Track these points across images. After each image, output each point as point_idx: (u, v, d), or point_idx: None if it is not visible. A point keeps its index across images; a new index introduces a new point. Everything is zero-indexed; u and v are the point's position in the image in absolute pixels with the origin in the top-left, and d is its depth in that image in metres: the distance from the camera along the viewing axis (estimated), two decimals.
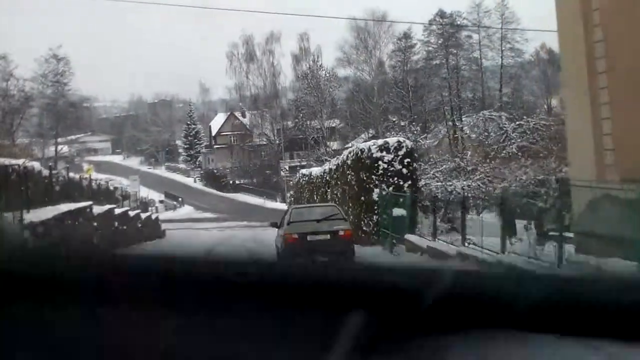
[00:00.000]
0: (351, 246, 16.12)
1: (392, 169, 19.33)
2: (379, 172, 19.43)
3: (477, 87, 76.96)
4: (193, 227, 53.68)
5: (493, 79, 76.97)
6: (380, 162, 19.38)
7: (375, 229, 19.30)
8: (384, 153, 19.44)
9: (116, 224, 30.03)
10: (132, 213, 34.83)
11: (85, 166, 71.37)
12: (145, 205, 46.18)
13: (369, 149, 19.86)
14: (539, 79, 78.11)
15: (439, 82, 75.04)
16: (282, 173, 69.58)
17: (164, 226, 46.20)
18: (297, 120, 77.90)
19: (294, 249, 16.07)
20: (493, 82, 77.24)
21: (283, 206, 66.77)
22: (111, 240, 28.31)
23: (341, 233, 16.08)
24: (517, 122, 36.90)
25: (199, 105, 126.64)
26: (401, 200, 18.16)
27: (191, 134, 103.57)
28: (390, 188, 19.08)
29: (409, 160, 19.44)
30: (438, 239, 14.79)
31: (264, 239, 37.01)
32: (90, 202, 26.17)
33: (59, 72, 64.91)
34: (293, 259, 16.81)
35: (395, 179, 19.24)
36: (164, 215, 59.64)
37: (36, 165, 24.58)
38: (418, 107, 71.54)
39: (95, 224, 26.20)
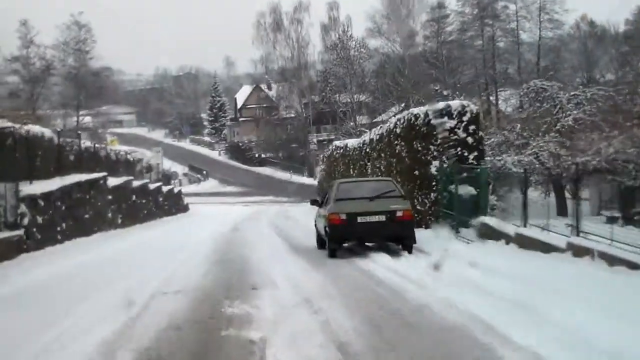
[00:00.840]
0: (411, 231, 12.97)
1: (454, 137, 16.02)
2: (438, 142, 16.14)
3: (513, 60, 72.70)
4: (217, 201, 50.89)
5: (530, 51, 72.68)
6: (439, 130, 16.09)
7: (432, 209, 16.04)
8: (445, 119, 16.12)
9: (134, 197, 27.10)
10: (152, 186, 31.92)
11: (109, 138, 68.89)
12: (167, 178, 43.38)
13: (426, 115, 16.54)
14: (579, 52, 73.67)
15: (474, 54, 71.05)
16: (311, 147, 66.50)
17: (187, 200, 43.44)
18: (324, 93, 74.53)
19: (341, 233, 12.95)
20: (530, 55, 72.95)
21: (310, 181, 64.05)
22: (127, 215, 25.42)
23: (399, 214, 12.89)
24: (572, 93, 33.07)
25: (224, 78, 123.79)
26: (470, 174, 14.94)
27: (216, 106, 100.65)
28: (452, 161, 15.82)
29: (474, 127, 16.10)
30: (530, 225, 11.50)
31: (293, 215, 34.11)
32: (104, 174, 23.21)
33: (81, 40, 61.87)
34: (339, 245, 14.14)
35: (459, 149, 15.95)
36: (187, 188, 56.89)
37: (46, 132, 21.53)
38: (451, 80, 67.67)
39: (109, 197, 23.27)
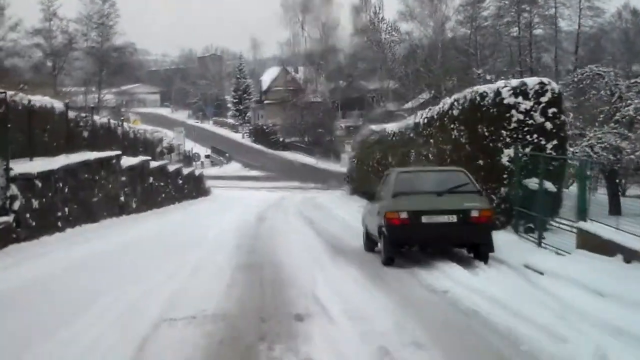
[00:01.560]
0: (489, 236, 10.15)
1: (530, 122, 13.13)
2: (511, 126, 13.25)
3: (549, 48, 68.98)
4: (240, 186, 48.30)
5: (567, 40, 69.08)
6: (513, 112, 13.19)
7: (502, 207, 13.16)
8: (520, 99, 13.20)
9: (151, 179, 24.53)
10: (172, 167, 29.35)
11: (132, 117, 66.56)
12: (189, 159, 40.87)
13: (497, 93, 13.61)
14: (620, 42, 69.91)
15: (509, 41, 67.65)
16: (339, 132, 63.67)
17: (209, 183, 40.89)
18: (350, 78, 71.59)
19: (402, 236, 10.15)
20: (567, 44, 69.30)
21: (337, 167, 61.29)
22: (142, 199, 22.84)
23: (474, 214, 10.07)
24: (633, 80, 29.64)
25: (250, 60, 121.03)
26: (549, 167, 12.09)
27: (241, 88, 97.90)
28: (527, 149, 12.95)
29: (555, 110, 13.21)
30: None
31: (323, 204, 31.43)
32: (117, 152, 20.62)
33: (105, 14, 59.65)
34: (397, 250, 10.74)
35: (535, 136, 13.06)
36: (209, 171, 54.36)
37: (57, 104, 18.99)
38: (486, 68, 64.36)
39: (123, 178, 20.69)
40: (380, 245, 10.87)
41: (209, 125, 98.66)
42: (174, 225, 18.66)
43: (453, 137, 15.93)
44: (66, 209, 15.47)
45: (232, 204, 29.38)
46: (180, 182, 30.98)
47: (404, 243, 10.28)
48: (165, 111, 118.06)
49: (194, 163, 44.16)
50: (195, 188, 35.29)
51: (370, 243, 12.12)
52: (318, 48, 70.34)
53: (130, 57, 67.93)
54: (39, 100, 18.05)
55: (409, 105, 71.85)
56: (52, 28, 56.21)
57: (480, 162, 13.93)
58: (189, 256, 11.50)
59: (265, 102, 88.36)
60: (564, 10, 65.96)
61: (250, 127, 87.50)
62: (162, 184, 26.61)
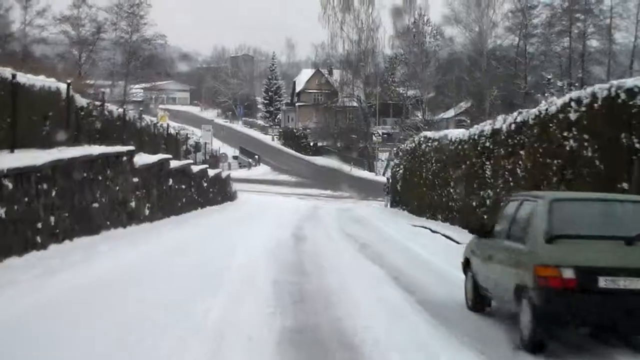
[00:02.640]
0: None
1: None
2: None
3: (602, 60, 64.15)
4: (269, 191, 44.42)
5: (623, 53, 64.31)
6: None
7: None
8: None
9: (170, 181, 20.65)
10: (196, 168, 25.50)
11: (160, 113, 63.06)
12: (215, 159, 37.02)
13: None
14: None
15: (560, 51, 63.13)
16: (374, 138, 59.55)
17: (235, 186, 37.06)
18: (387, 84, 67.50)
19: (567, 308, 5.94)
20: (622, 57, 64.46)
21: (371, 176, 57.18)
22: (158, 205, 18.97)
23: None
24: None
25: (283, 62, 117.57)
26: None
27: (272, 89, 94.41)
28: None
29: None
30: None
31: (365, 218, 27.40)
32: (129, 148, 16.72)
33: (135, 3, 56.01)
34: (556, 329, 5.72)
35: None
36: (236, 173, 50.63)
37: (62, 86, 15.12)
38: (533, 78, 60.07)
39: (135, 179, 16.80)
40: (496, 305, 6.76)
41: (238, 126, 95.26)
42: (189, 243, 14.66)
43: (568, 148, 11.75)
44: (52, 219, 11.59)
45: (261, 213, 25.46)
46: (205, 184, 27.14)
47: (567, 321, 6.09)
48: (194, 109, 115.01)
49: (220, 164, 40.27)
50: (220, 191, 31.45)
51: (479, 300, 7.99)
52: (356, 50, 66.09)
53: (160, 49, 64.30)
54: (41, 80, 14.34)
55: (448, 114, 67.77)
56: (81, 16, 52.83)
57: (625, 185, 9.74)
58: (198, 310, 7.41)
59: (297, 104, 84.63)
60: (620, 21, 61.45)
61: (280, 130, 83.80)
62: (183, 186, 22.75)
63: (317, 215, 26.89)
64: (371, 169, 60.45)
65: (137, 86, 60.25)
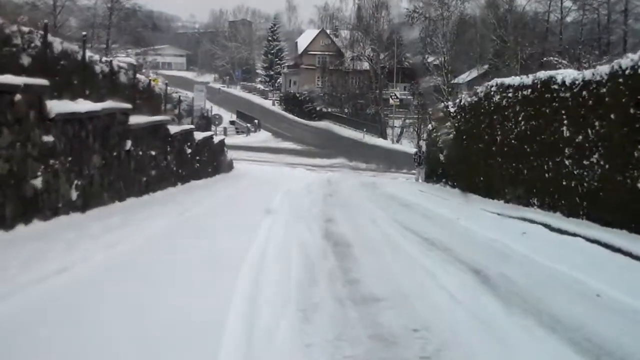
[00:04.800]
0: None
1: None
2: None
3: None
4: (271, 160, 36.85)
5: None
6: None
7: None
8: None
9: (128, 145, 13.04)
10: (174, 128, 17.87)
11: (152, 75, 55.30)
12: (207, 121, 29.29)
13: None
14: None
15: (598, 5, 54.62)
16: (391, 101, 51.78)
17: (232, 154, 29.58)
18: (401, 43, 59.38)
19: None
20: None
21: (386, 143, 49.66)
22: (104, 181, 11.43)
23: None
24: None
25: (283, 24, 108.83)
26: None
27: (272, 51, 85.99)
28: None
29: None
30: None
31: (404, 198, 19.83)
32: (39, 81, 9.11)
33: None
34: None
35: None
36: (233, 139, 43.06)
37: None
38: (567, 35, 52.05)
39: (47, 138, 9.24)
40: None
41: (235, 90, 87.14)
42: (119, 277, 6.93)
43: None
44: None
45: (264, 192, 17.98)
46: (189, 151, 19.57)
47: None
48: (190, 75, 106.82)
49: (213, 127, 32.58)
50: (212, 161, 23.95)
51: None
52: (368, 3, 57.79)
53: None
54: None
55: (465, 77, 59.96)
56: None
57: None
58: None
59: (301, 66, 76.49)
60: None
61: (282, 94, 75.79)
62: (153, 153, 15.14)
63: (341, 193, 19.41)
64: (383, 136, 52.86)
65: (131, 51, 52.73)
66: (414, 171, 31.85)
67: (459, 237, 10.37)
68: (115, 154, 12.24)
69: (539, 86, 13.89)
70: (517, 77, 15.94)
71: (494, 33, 52.35)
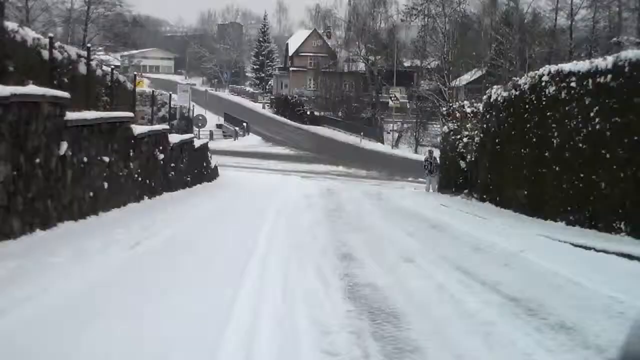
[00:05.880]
0: None
1: None
2: None
3: None
4: (261, 167, 33.09)
5: None
6: None
7: None
8: None
9: (64, 148, 9.17)
10: (141, 129, 14.05)
11: (138, 78, 51.43)
12: (188, 122, 25.44)
13: None
14: None
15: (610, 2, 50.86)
16: (391, 103, 48.09)
17: (217, 160, 25.79)
18: (392, 50, 55.77)
19: None
20: None
21: (385, 148, 45.90)
22: (31, 199, 7.47)
23: None
24: None
25: (274, 27, 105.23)
26: None
27: (263, 52, 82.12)
28: None
29: None
30: None
31: (419, 210, 15.96)
32: None
33: None
34: None
35: None
36: (220, 144, 39.26)
37: None
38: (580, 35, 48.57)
39: None
40: None
41: (224, 93, 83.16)
42: None
43: None
44: None
45: (252, 206, 14.28)
46: (162, 157, 15.74)
47: None
48: (178, 78, 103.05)
49: (195, 129, 28.71)
50: (192, 168, 20.12)
51: None
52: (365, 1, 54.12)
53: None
54: None
55: (466, 78, 56.34)
56: None
57: None
58: None
59: (291, 68, 72.74)
60: None
61: (273, 97, 71.98)
62: (106, 159, 11.30)
63: (348, 208, 15.65)
64: (380, 140, 49.23)
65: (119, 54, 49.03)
66: (422, 179, 28.22)
67: (557, 294, 6.58)
68: (38, 160, 8.40)
69: (626, 70, 10.16)
70: (582, 62, 12.23)
71: (498, 32, 48.80)
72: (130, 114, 13.61)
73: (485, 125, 17.26)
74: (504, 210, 14.82)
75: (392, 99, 48.52)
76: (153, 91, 21.44)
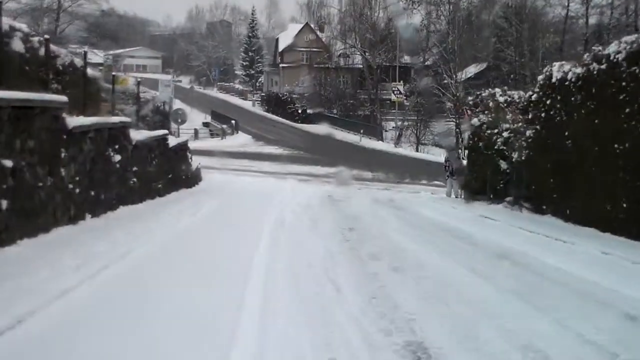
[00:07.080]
0: None
1: None
2: None
3: None
4: (252, 169, 29.01)
5: None
6: None
7: None
8: None
9: None
10: (82, 121, 9.79)
11: (122, 76, 47.49)
12: (163, 117, 21.23)
13: None
14: None
15: None
16: (394, 97, 44.06)
17: (200, 161, 21.62)
18: (391, 44, 51.84)
19: None
20: None
21: (389, 148, 41.88)
22: None
23: None
24: None
25: (263, 23, 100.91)
26: None
27: (253, 48, 77.77)
28: None
29: None
30: None
31: (457, 224, 11.43)
32: None
33: None
34: None
35: None
36: (206, 143, 35.07)
37: None
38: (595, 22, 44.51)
39: None
40: None
41: (212, 92, 78.85)
42: None
43: None
44: None
45: (239, 225, 10.35)
46: (119, 159, 11.56)
47: None
48: (165, 77, 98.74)
49: (173, 127, 24.43)
50: (165, 172, 15.91)
51: None
52: None
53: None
54: None
55: (470, 71, 52.48)
56: None
57: None
58: None
59: (282, 65, 68.53)
60: None
61: (263, 94, 67.75)
62: (10, 164, 7.08)
63: (365, 225, 11.56)
64: (380, 137, 45.30)
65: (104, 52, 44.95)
66: (437, 182, 24.20)
67: None
68: None
69: None
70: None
71: (505, 22, 44.85)
72: (62, 98, 9.34)
73: (542, 115, 13.11)
74: (584, 229, 10.72)
75: (395, 92, 44.47)
76: (139, 81, 17.44)
